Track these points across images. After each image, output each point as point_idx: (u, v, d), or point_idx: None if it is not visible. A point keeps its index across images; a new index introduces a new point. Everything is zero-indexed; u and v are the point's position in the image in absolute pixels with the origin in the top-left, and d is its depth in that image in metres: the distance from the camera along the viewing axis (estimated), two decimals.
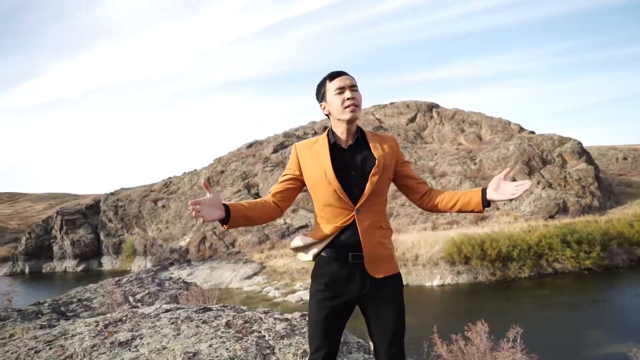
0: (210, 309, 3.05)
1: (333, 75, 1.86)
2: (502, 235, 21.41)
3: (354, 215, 1.77)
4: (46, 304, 4.08)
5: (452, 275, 20.58)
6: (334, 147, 1.85)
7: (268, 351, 2.40)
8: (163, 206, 35.52)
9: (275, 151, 35.24)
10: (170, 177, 40.40)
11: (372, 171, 1.78)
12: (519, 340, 3.17)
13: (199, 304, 3.75)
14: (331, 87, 1.85)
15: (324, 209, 1.81)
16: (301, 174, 1.88)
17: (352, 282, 1.77)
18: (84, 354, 2.39)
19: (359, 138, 1.86)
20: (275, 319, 2.87)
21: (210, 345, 2.42)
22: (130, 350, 2.41)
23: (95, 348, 2.45)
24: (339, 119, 1.84)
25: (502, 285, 19.39)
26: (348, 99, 1.80)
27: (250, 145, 38.37)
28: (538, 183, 27.77)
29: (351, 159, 1.82)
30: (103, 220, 35.44)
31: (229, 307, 3.18)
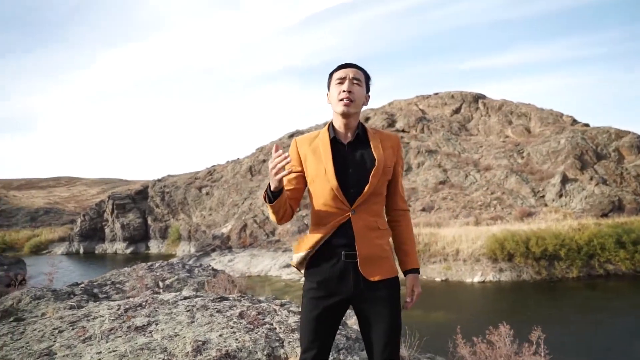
0: (227, 299, 3.09)
1: (341, 66, 1.79)
2: (549, 232, 20.48)
3: (349, 215, 1.71)
4: (82, 285, 4.29)
5: (494, 272, 19.96)
6: (334, 142, 1.78)
7: (277, 344, 2.40)
8: (207, 193, 36.56)
9: None
10: (214, 165, 41.48)
11: (372, 172, 1.72)
12: (542, 345, 3.01)
13: (220, 292, 3.81)
14: (335, 76, 1.79)
15: (320, 206, 1.76)
16: (303, 170, 1.82)
17: (345, 281, 1.71)
18: (102, 336, 2.49)
19: (360, 134, 1.79)
20: (289, 311, 2.87)
21: (220, 335, 2.45)
22: (144, 335, 2.48)
23: (112, 331, 2.55)
24: (335, 111, 1.79)
25: (547, 285, 18.61)
26: (344, 91, 1.73)
27: (291, 135, 38.64)
28: (591, 179, 26.33)
29: (350, 156, 1.76)
30: (150, 206, 36.92)
31: (246, 297, 3.22)
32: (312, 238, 1.75)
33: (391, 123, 37.33)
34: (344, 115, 1.76)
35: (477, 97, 39.19)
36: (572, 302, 16.05)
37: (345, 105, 1.73)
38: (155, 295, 3.24)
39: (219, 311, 2.82)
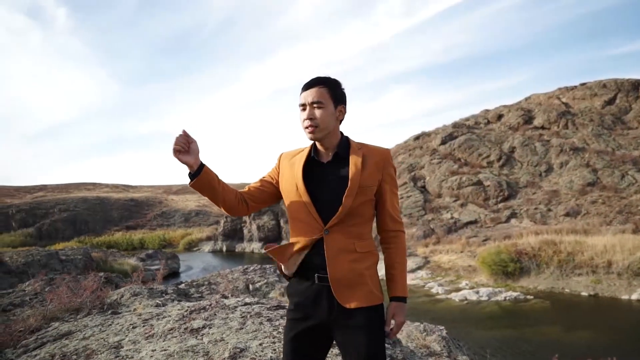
0: (283, 307, 3.10)
1: (303, 88, 1.70)
2: None
3: (322, 235, 1.61)
4: (182, 285, 4.73)
5: None
6: (312, 160, 1.71)
7: None
8: None
9: (443, 143, 33.86)
10: None
11: (346, 192, 1.60)
12: None
13: (276, 300, 3.85)
14: (299, 101, 1.70)
15: (294, 223, 1.70)
16: (277, 182, 1.79)
17: (319, 305, 1.61)
18: (162, 335, 2.70)
19: (338, 153, 1.69)
20: None
21: (260, 344, 2.46)
22: (196, 337, 2.62)
23: (171, 331, 2.74)
24: None
25: None
26: (305, 119, 1.66)
27: (417, 137, 37.70)
28: None
29: (327, 175, 1.68)
30: (283, 209, 39.32)
31: None
32: (292, 256, 1.67)
33: (528, 120, 34.03)
34: (313, 140, 1.70)
35: (637, 84, 33.57)
36: None
37: (310, 132, 1.66)
38: (222, 299, 3.41)
39: (269, 319, 2.85)
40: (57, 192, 56.30)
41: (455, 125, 36.03)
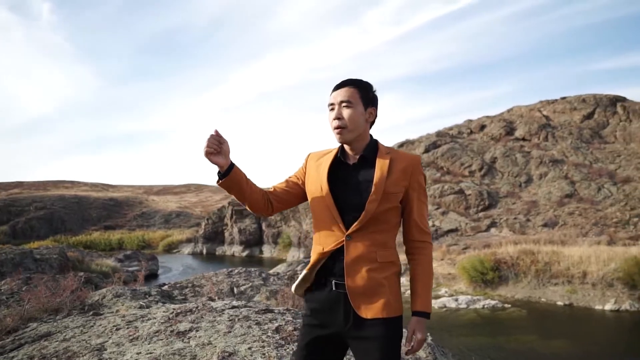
0: (271, 311, 3.07)
1: (333, 88, 1.67)
2: None
3: (344, 241, 1.57)
4: (165, 287, 4.65)
5: (632, 300, 17.24)
6: (339, 162, 1.67)
7: None
8: None
9: (426, 151, 34.22)
10: None
11: (369, 198, 1.55)
12: None
13: (289, 303, 3.82)
14: (328, 102, 1.67)
15: (319, 225, 1.66)
16: (303, 183, 1.75)
17: (336, 313, 1.57)
18: (147, 338, 2.64)
19: (365, 156, 1.64)
20: None
21: (249, 348, 2.43)
22: (182, 340, 2.56)
23: (157, 334, 2.68)
24: None
25: None
26: (333, 119, 1.62)
27: (401, 145, 38.01)
28: None
29: (352, 178, 1.62)
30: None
31: (291, 310, 3.16)
32: (311, 261, 1.64)
33: (509, 131, 34.66)
34: (342, 142, 1.66)
35: (615, 100, 34.55)
36: None
37: (338, 134, 1.62)
38: (208, 302, 3.36)
39: (258, 323, 2.82)
40: (33, 189, 54.96)
41: (439, 134, 36.47)
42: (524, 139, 33.44)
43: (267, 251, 36.29)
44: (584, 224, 24.08)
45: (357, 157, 1.65)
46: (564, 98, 37.11)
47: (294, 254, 32.93)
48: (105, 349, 2.56)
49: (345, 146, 1.67)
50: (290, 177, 1.80)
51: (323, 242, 1.62)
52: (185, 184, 67.79)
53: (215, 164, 1.56)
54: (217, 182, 1.61)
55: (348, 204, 1.59)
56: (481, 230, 25.64)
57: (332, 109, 1.64)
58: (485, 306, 17.64)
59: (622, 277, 17.79)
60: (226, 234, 38.61)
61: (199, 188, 64.06)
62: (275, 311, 3.12)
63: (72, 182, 63.98)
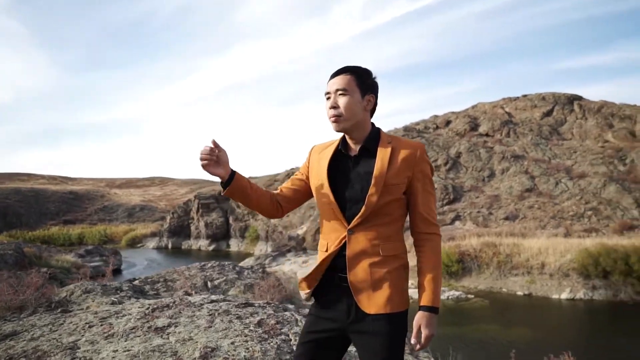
0: (252, 305, 3.03)
1: (330, 77, 1.61)
2: None
3: (346, 235, 1.54)
4: (136, 282, 4.51)
5: (585, 289, 18.12)
6: (341, 154, 1.63)
7: (287, 357, 2.28)
8: None
9: None
10: (292, 168, 42.42)
11: (369, 190, 1.51)
12: None
13: (267, 296, 3.78)
14: (325, 91, 1.62)
15: (323, 221, 1.63)
16: (308, 178, 1.70)
17: (340, 307, 1.55)
18: (123, 334, 2.55)
19: (366, 147, 1.59)
20: None
21: (232, 342, 2.39)
22: (161, 337, 2.49)
23: (134, 330, 2.59)
24: None
25: None
26: (329, 108, 1.58)
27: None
28: None
29: (353, 170, 1.58)
30: (232, 206, 38.66)
31: (271, 304, 3.13)
32: (317, 261, 1.61)
33: (474, 127, 35.58)
34: (339, 132, 1.61)
35: (572, 99, 36.03)
36: None
37: (334, 122, 1.57)
38: (186, 296, 3.29)
39: (239, 317, 2.77)
40: None
41: (407, 128, 37.03)
42: (487, 135, 34.40)
43: (235, 245, 35.93)
44: (543, 217, 25.08)
45: (358, 148, 1.60)
46: (525, 96, 38.39)
47: (261, 248, 32.76)
48: (79, 347, 2.45)
49: (347, 137, 1.62)
50: (295, 175, 1.77)
51: (327, 237, 1.61)
52: (149, 177, 66.03)
53: (215, 174, 1.54)
54: (222, 193, 1.60)
55: (348, 198, 1.55)
56: (446, 223, 26.25)
57: (329, 98, 1.59)
58: (450, 297, 18.11)
59: (577, 268, 18.66)
60: (192, 228, 37.95)
61: (163, 181, 62.55)
62: (256, 305, 3.08)
63: (28, 175, 61.15)
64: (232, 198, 1.61)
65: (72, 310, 3.30)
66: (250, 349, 2.34)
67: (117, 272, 23.51)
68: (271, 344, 2.42)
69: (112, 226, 41.90)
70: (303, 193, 1.73)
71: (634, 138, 30.44)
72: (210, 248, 35.78)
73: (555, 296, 18.28)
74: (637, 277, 17.35)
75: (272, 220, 35.49)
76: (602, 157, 28.41)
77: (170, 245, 37.09)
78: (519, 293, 18.91)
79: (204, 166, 1.52)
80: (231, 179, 1.55)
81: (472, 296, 18.37)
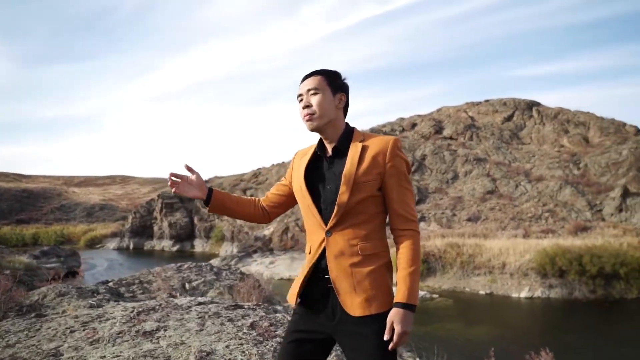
0: (241, 307, 2.97)
1: (300, 81, 1.64)
2: (606, 249, 19.14)
3: (325, 237, 1.55)
4: (110, 283, 4.33)
5: (543, 288, 18.91)
6: (317, 156, 1.65)
7: None
8: (251, 195, 37.13)
9: None
10: (259, 168, 42.10)
11: (340, 189, 1.51)
12: None
13: (246, 297, 3.72)
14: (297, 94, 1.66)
15: (306, 223, 1.65)
16: (291, 183, 1.73)
17: (324, 308, 1.55)
18: (109, 340, 2.44)
19: (338, 147, 1.59)
20: None
21: (227, 346, 2.33)
22: (151, 341, 2.40)
23: (121, 335, 2.49)
24: None
25: (602, 305, 17.36)
26: (302, 108, 1.60)
27: None
28: None
29: (328, 171, 1.60)
30: (197, 206, 37.92)
31: (261, 306, 3.09)
32: (303, 267, 1.62)
33: (438, 130, 36.44)
34: (314, 131, 1.62)
35: (531, 105, 37.51)
36: (630, 325, 14.87)
37: (308, 120, 1.58)
38: (171, 299, 3.19)
39: (230, 320, 2.71)
40: None
41: (373, 131, 37.44)
42: (451, 138, 35.30)
43: (199, 245, 35.26)
44: (503, 218, 25.96)
45: (331, 148, 1.62)
46: (487, 101, 39.66)
47: (227, 249, 32.29)
48: (62, 354, 2.33)
49: (322, 137, 1.64)
50: (280, 180, 1.82)
51: (310, 240, 1.62)
52: (110, 175, 63.81)
53: (189, 196, 1.65)
54: (207, 211, 1.73)
55: (324, 199, 1.57)
56: None
57: (301, 100, 1.61)
58: None
59: (535, 267, 19.43)
60: (155, 228, 36.96)
61: (125, 180, 60.56)
62: (246, 307, 3.02)
63: None
64: (217, 213, 1.71)
65: (47, 314, 3.13)
66: (247, 352, 2.29)
67: (73, 274, 22.59)
68: (267, 346, 2.38)
69: (69, 226, 40.22)
70: (288, 198, 1.77)
71: (587, 144, 32.02)
72: (174, 249, 34.97)
73: (515, 295, 18.96)
74: (590, 277, 18.27)
75: (238, 221, 35.07)
76: (558, 162, 29.71)
77: (132, 246, 35.98)
78: (481, 292, 19.50)
79: (174, 191, 1.64)
80: (209, 197, 1.66)
81: (437, 296, 18.78)
